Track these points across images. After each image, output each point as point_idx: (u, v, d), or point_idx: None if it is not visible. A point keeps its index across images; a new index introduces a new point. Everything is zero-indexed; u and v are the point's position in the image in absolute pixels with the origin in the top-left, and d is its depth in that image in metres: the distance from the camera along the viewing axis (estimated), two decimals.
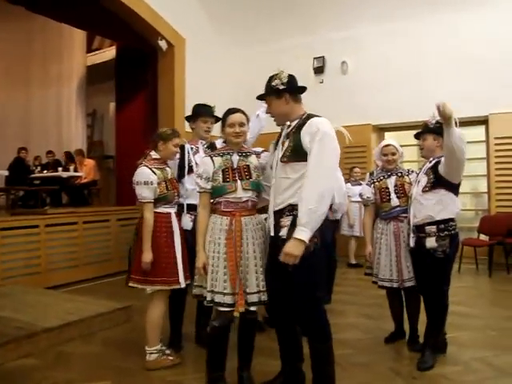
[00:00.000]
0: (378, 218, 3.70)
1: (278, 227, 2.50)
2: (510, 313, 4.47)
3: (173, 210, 3.23)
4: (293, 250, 2.30)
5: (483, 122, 7.45)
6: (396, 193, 3.55)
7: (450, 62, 7.30)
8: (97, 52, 10.24)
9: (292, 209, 2.44)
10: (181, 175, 3.47)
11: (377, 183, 3.69)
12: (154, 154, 3.25)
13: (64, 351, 3.59)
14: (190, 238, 3.19)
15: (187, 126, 3.95)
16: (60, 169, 8.66)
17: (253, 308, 2.65)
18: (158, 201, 3.14)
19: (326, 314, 2.53)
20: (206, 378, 2.77)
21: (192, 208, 3.33)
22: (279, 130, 2.68)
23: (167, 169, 3.28)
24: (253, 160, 2.77)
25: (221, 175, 2.65)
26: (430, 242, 3.23)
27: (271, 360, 3.04)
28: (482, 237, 6.95)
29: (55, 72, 10.28)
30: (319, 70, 8.65)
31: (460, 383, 2.94)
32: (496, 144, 7.28)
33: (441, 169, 3.16)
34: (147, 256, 3.02)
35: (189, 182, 3.38)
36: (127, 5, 6.95)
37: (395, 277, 3.53)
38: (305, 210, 2.29)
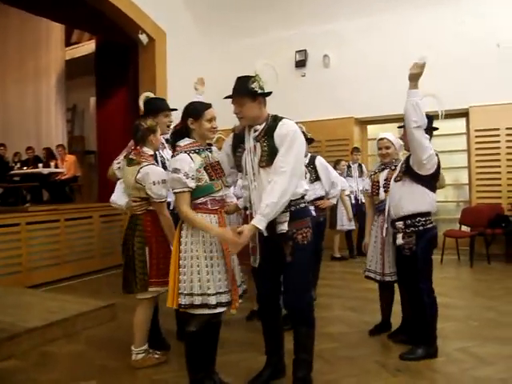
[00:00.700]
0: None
1: (273, 224, 2.58)
2: (491, 303, 4.55)
3: None
4: (245, 236, 2.43)
5: (464, 114, 7.54)
6: (384, 187, 3.56)
7: (431, 55, 7.31)
8: (76, 46, 10.07)
9: (288, 205, 2.57)
10: None
11: (373, 176, 3.73)
12: (148, 151, 3.12)
13: (48, 351, 3.54)
14: None
15: None
16: (40, 165, 8.52)
17: (240, 301, 2.70)
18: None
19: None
20: (188, 379, 2.73)
21: (167, 205, 3.29)
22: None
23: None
24: (216, 155, 2.77)
25: (205, 174, 2.59)
26: (399, 239, 3.23)
27: (259, 355, 3.03)
28: (464, 228, 7.05)
29: (33, 67, 10.08)
30: (301, 64, 8.64)
31: (443, 374, 2.98)
32: (477, 136, 7.38)
33: (411, 158, 3.14)
34: None
35: None
36: None
37: (379, 270, 3.58)
38: (269, 202, 2.45)
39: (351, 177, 7.34)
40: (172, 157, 2.69)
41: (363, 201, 7.28)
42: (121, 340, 3.61)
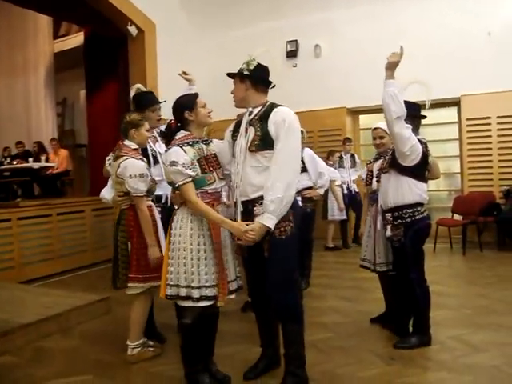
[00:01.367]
0: None
1: (250, 215, 2.52)
2: (484, 291, 4.58)
3: (152, 203, 3.16)
4: (256, 234, 2.39)
5: (455, 103, 7.54)
6: (377, 177, 3.54)
7: (423, 44, 7.32)
8: (64, 38, 9.93)
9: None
10: None
11: (368, 165, 3.73)
12: (131, 144, 3.09)
13: (43, 347, 3.53)
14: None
15: None
16: (30, 159, 8.44)
17: (233, 296, 2.68)
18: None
19: (301, 298, 2.55)
20: (184, 371, 2.73)
21: (158, 199, 3.31)
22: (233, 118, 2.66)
23: (144, 159, 3.15)
24: (214, 148, 2.73)
25: (198, 166, 2.57)
26: (387, 231, 3.23)
27: (254, 347, 3.03)
28: (456, 216, 7.09)
29: (21, 60, 9.94)
30: (292, 54, 8.58)
31: (437, 362, 3.01)
32: (468, 125, 7.39)
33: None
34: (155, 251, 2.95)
35: (155, 173, 3.25)
36: None
37: (372, 259, 3.59)
38: (273, 198, 2.38)
39: (343, 167, 7.32)
40: (165, 151, 2.67)
41: (356, 190, 7.31)
42: (116, 334, 3.60)
